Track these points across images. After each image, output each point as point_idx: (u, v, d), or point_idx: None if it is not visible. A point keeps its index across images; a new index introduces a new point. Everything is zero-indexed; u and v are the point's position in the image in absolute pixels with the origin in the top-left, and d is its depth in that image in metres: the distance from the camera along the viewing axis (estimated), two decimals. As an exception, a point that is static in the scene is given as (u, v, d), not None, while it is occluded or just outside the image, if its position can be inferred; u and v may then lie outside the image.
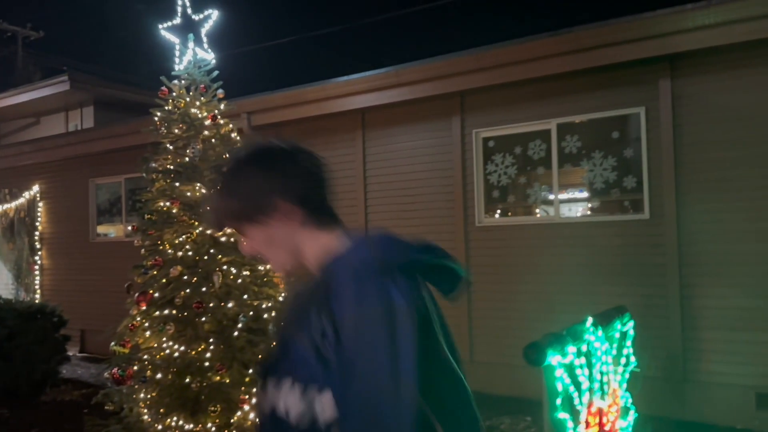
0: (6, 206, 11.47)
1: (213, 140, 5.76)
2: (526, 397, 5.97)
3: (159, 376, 5.22)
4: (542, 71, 6.01)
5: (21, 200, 11.13)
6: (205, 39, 5.87)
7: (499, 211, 6.74)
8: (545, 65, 5.97)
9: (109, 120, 12.13)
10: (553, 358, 2.73)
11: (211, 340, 5.29)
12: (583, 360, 3.04)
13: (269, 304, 5.64)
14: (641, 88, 5.78)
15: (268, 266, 5.74)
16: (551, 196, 6.33)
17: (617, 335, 3.58)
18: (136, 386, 5.36)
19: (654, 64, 5.65)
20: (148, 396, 5.31)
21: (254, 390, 5.28)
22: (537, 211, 6.57)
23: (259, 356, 5.43)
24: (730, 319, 5.33)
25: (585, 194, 6.22)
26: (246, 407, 5.20)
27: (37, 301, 9.05)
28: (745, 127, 5.35)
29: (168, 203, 5.59)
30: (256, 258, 1.47)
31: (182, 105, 5.75)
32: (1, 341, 6.79)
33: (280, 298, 5.78)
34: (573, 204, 6.39)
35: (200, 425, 5.11)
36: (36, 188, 10.87)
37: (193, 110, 5.77)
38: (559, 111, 6.19)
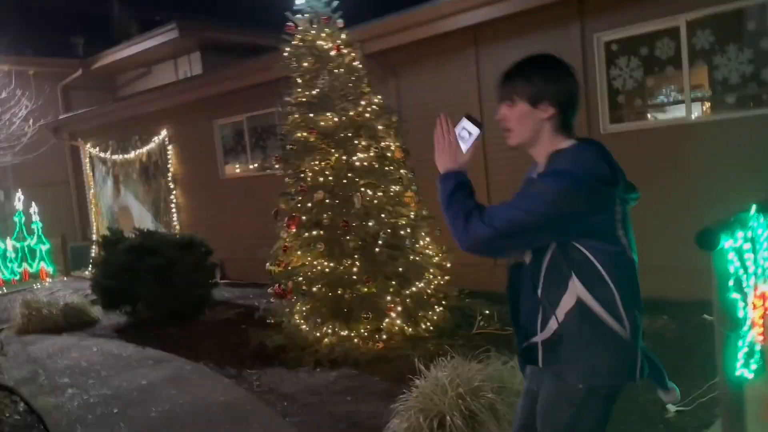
0: (138, 152, 12.47)
1: (340, 70, 6.04)
2: (662, 298, 6.07)
3: (314, 289, 5.77)
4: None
5: (151, 145, 12.06)
6: (323, -30, 6.04)
7: (625, 117, 6.63)
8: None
9: (217, 64, 12.70)
10: (726, 243, 2.84)
11: (356, 256, 5.75)
12: (749, 245, 3.12)
13: (403, 222, 6.00)
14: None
15: (399, 187, 6.07)
16: (682, 97, 6.15)
17: (777, 223, 3.61)
18: (294, 299, 5.96)
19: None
20: (305, 308, 5.90)
21: (398, 299, 5.73)
22: (667, 113, 6.41)
23: (399, 269, 5.84)
24: None
25: (719, 92, 6.00)
26: (392, 314, 5.67)
27: (182, 235, 9.96)
28: None
29: (305, 133, 5.99)
30: (502, 123, 2.02)
31: (309, 38, 6.02)
32: (164, 270, 7.62)
33: (412, 215, 6.12)
34: (707, 102, 6.17)
35: (353, 331, 5.65)
36: (164, 133, 11.71)
37: (319, 42, 6.03)
38: (688, 5, 5.91)
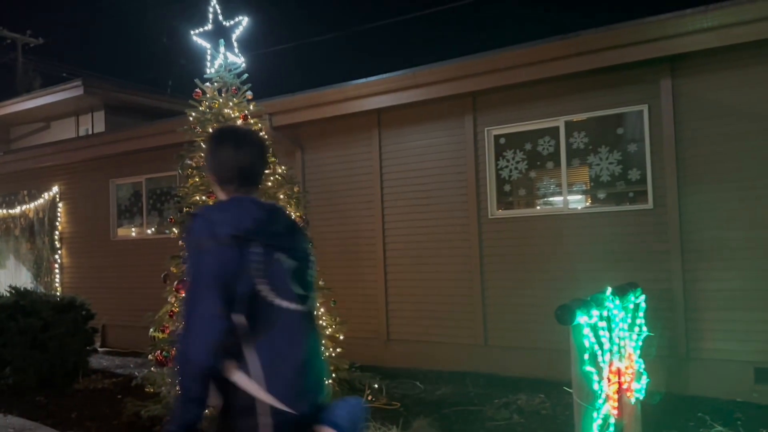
0: (25, 207, 11.79)
1: (244, 138, 6.16)
2: (538, 378, 6.41)
3: (200, 357, 5.59)
4: (551, 72, 6.43)
5: (40, 201, 11.46)
6: (235, 44, 6.27)
7: (510, 204, 7.15)
8: (554, 66, 6.39)
9: (120, 124, 12.50)
10: (581, 318, 3.12)
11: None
12: (604, 324, 3.44)
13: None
14: (644, 87, 6.20)
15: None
16: (560, 189, 6.75)
17: (631, 306, 3.98)
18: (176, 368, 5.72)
19: (656, 65, 6.08)
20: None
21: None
22: (546, 203, 6.98)
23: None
24: (728, 300, 5.75)
25: (592, 187, 6.64)
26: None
27: (62, 296, 9.38)
28: (739, 122, 5.79)
29: (204, 197, 5.98)
30: None
31: (216, 105, 6.14)
32: (36, 332, 7.12)
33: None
34: (581, 196, 6.80)
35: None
36: (55, 189, 11.20)
37: (226, 110, 6.16)
38: (567, 109, 6.61)
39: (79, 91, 12.46)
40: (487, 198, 7.08)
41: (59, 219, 11.14)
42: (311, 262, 2.03)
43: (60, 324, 7.35)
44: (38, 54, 21.22)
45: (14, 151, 13.14)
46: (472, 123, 7.17)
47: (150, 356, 5.71)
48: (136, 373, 7.55)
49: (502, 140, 7.09)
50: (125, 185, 10.49)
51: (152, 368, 5.98)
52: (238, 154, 2.05)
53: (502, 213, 7.07)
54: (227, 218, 1.87)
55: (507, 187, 7.10)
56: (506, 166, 7.05)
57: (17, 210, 11.89)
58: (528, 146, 6.94)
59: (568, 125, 6.66)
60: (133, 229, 10.44)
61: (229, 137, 2.11)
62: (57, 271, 11.12)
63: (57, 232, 11.15)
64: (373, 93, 7.44)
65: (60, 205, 11.17)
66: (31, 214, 11.67)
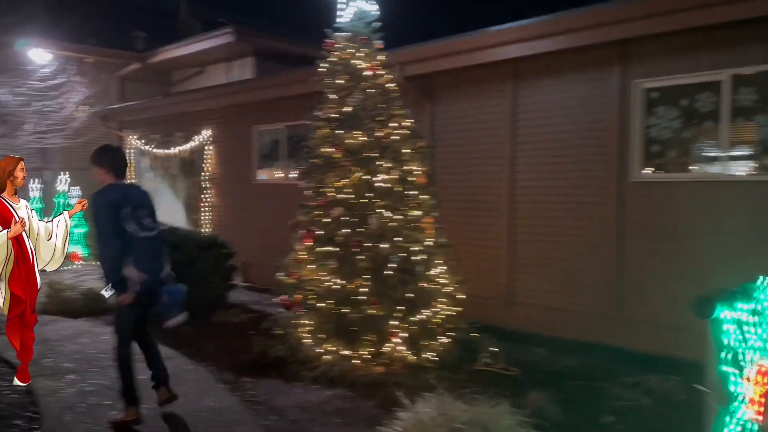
0: (179, 148, 12.77)
1: (372, 90, 6.08)
2: (675, 357, 5.85)
3: (321, 305, 5.78)
4: (717, 18, 5.60)
5: (192, 143, 12.34)
6: (368, -10, 6.11)
7: (656, 167, 6.47)
8: (722, 11, 5.55)
9: (267, 71, 12.94)
10: (723, 313, 2.73)
11: (366, 276, 5.73)
12: (754, 318, 2.99)
13: (418, 248, 5.97)
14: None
15: (418, 212, 6.05)
16: (719, 153, 5.97)
17: (791, 298, 3.44)
18: (300, 312, 5.97)
19: None
20: (310, 322, 5.90)
21: (403, 324, 5.69)
22: (701, 168, 6.23)
23: (408, 294, 5.80)
24: None
25: (759, 152, 5.79)
26: (396, 339, 5.62)
27: (206, 234, 10.13)
28: None
29: (331, 149, 6.03)
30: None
31: (347, 56, 6.08)
32: (182, 267, 7.72)
33: (428, 242, 6.08)
34: (744, 161, 5.97)
35: (355, 352, 5.61)
36: (205, 132, 11.98)
37: (354, 61, 6.09)
38: (734, 61, 5.76)
39: (230, 38, 12.98)
40: (630, 159, 6.46)
41: (207, 161, 11.94)
42: (155, 211, 4.53)
43: (203, 260, 7.93)
44: (199, 1, 22.43)
45: (171, 95, 14.21)
46: (618, 75, 6.51)
47: (276, 299, 5.99)
48: (269, 310, 8.00)
49: (653, 94, 6.37)
50: (267, 132, 10.94)
51: (278, 310, 6.28)
52: (118, 159, 4.52)
53: (646, 175, 6.42)
54: (113, 193, 4.28)
55: (654, 148, 6.41)
56: (655, 124, 6.35)
57: (173, 150, 12.90)
58: (684, 102, 6.17)
59: (735, 79, 5.81)
60: (273, 173, 10.93)
61: (114, 150, 4.81)
62: (205, 209, 12.01)
63: (205, 173, 11.98)
64: (509, 41, 6.97)
65: (209, 148, 11.94)
66: (184, 155, 12.62)
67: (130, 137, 14.28)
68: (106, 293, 4.32)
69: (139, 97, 14.47)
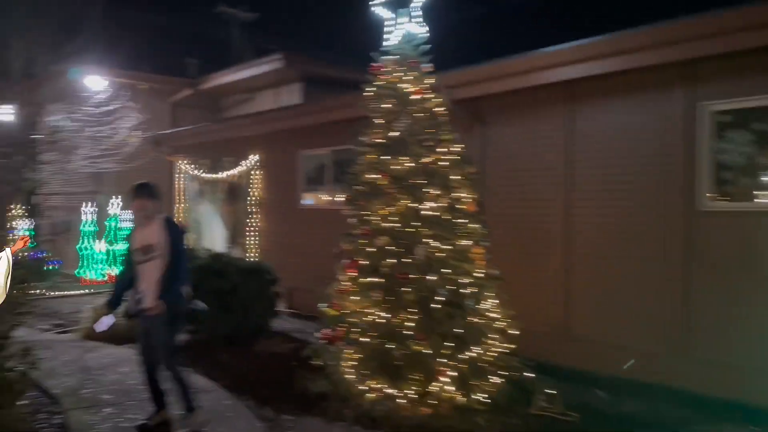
0: (227, 173, 12.82)
1: (420, 114, 5.85)
2: (751, 403, 5.32)
3: (364, 339, 5.50)
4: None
5: (240, 168, 12.37)
6: (416, 13, 5.92)
7: (727, 196, 5.99)
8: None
9: (314, 96, 12.91)
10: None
11: (412, 309, 5.44)
12: None
13: (468, 280, 5.64)
14: None
15: (468, 242, 5.74)
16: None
17: None
18: (343, 347, 5.71)
19: None
20: (353, 357, 5.63)
21: (452, 362, 5.36)
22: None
23: (457, 329, 5.47)
24: None
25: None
26: (444, 378, 5.29)
27: (250, 260, 10.04)
28: None
29: (377, 175, 5.81)
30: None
31: (394, 80, 5.88)
32: (225, 294, 7.62)
33: (478, 274, 5.75)
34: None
35: (400, 391, 5.30)
36: (253, 157, 11.99)
37: (402, 85, 5.88)
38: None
39: (280, 64, 13.09)
40: (697, 186, 6.01)
41: (254, 185, 11.93)
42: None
43: (245, 287, 7.80)
44: (251, 28, 22.82)
45: (221, 121, 14.37)
46: (682, 97, 6.10)
47: (317, 333, 5.76)
48: (312, 340, 7.77)
49: (721, 117, 5.93)
50: (312, 156, 10.85)
51: (320, 341, 6.03)
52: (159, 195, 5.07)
53: (716, 204, 5.95)
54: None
55: (725, 175, 5.94)
56: (724, 149, 5.89)
57: (221, 175, 12.97)
58: (757, 125, 5.70)
59: (816, 100, 5.33)
60: (319, 197, 10.80)
61: (153, 185, 5.04)
62: (250, 233, 11.97)
63: (251, 198, 11.96)
64: (564, 62, 6.65)
65: (255, 172, 11.93)
66: (232, 180, 12.65)
67: (181, 162, 14.46)
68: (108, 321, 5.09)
69: (190, 123, 14.69)
